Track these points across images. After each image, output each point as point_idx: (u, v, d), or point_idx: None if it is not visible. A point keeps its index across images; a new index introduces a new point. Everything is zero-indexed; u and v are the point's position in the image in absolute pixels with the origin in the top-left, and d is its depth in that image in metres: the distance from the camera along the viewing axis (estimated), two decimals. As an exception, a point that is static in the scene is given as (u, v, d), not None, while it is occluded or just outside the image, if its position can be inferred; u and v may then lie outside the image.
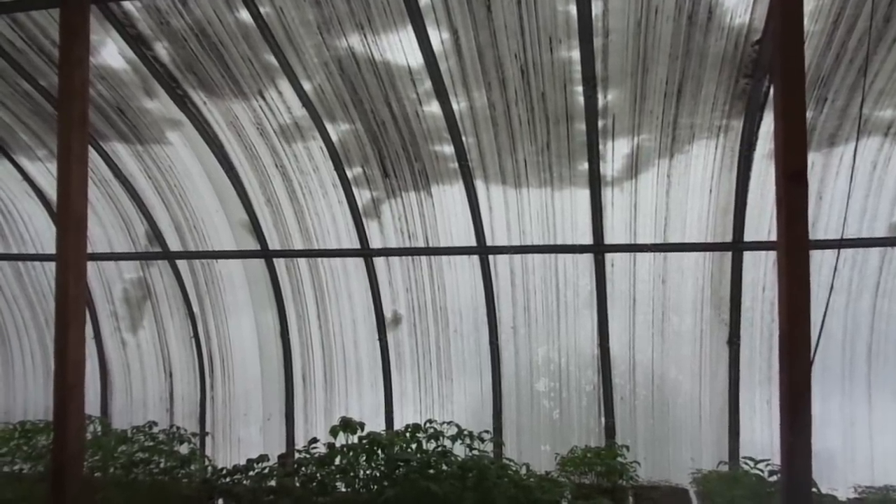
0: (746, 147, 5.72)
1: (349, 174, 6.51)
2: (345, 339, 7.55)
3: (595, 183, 6.16)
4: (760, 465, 5.35)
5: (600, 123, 5.66)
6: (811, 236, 5.94)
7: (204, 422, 8.07)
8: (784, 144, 3.90)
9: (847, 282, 6.31)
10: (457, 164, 6.21)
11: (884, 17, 4.44)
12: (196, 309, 7.89)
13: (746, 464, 5.27)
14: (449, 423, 5.79)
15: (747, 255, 6.38)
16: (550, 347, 7.10)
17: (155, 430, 6.01)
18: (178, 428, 6.00)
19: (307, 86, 5.68)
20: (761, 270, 6.43)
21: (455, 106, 5.65)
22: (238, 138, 6.38)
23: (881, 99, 5.21)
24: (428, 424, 5.71)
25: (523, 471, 5.57)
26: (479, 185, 6.40)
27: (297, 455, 5.61)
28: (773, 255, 6.35)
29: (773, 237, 6.27)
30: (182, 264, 7.68)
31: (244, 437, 8.12)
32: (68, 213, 4.62)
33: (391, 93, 5.61)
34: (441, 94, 5.53)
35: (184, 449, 5.97)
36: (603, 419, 6.99)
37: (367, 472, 5.31)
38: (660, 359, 6.85)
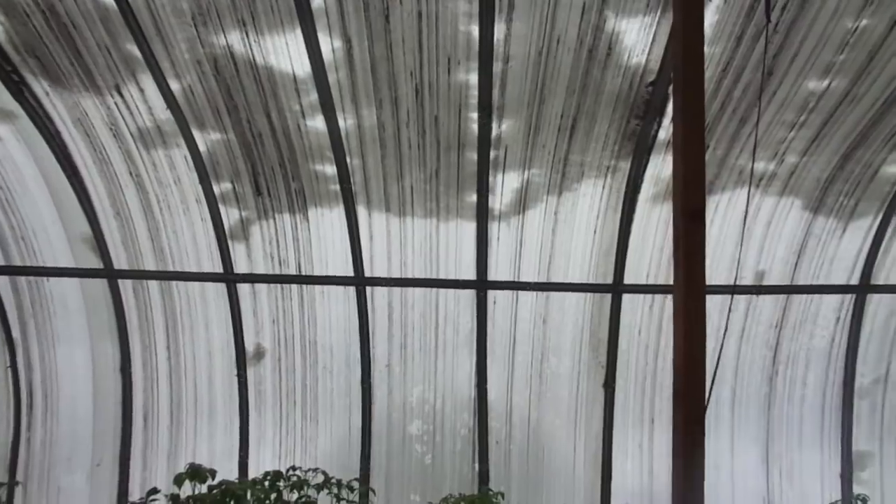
0: (632, 189, 5.76)
1: (216, 189, 5.85)
2: (198, 373, 6.72)
3: (482, 216, 5.94)
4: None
5: (492, 154, 5.47)
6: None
7: (15, 468, 6.82)
8: (683, 182, 3.84)
9: (714, 329, 6.50)
10: (338, 187, 5.75)
11: (768, 70, 4.61)
12: (16, 334, 6.72)
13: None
14: (314, 470, 5.20)
15: (626, 298, 6.40)
16: (426, 388, 6.71)
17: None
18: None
19: (175, 85, 5.02)
20: (638, 314, 6.47)
21: (342, 122, 5.23)
22: (86, 139, 5.54)
23: (757, 151, 5.42)
24: (291, 472, 5.08)
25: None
26: (361, 210, 5.97)
27: (131, 510, 4.76)
28: (649, 298, 6.42)
29: (652, 281, 6.37)
30: (2, 281, 6.54)
31: (66, 487, 6.95)
32: None
33: (272, 102, 5.09)
34: (327, 109, 5.09)
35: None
36: (477, 464, 6.66)
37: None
38: (537, 401, 6.67)
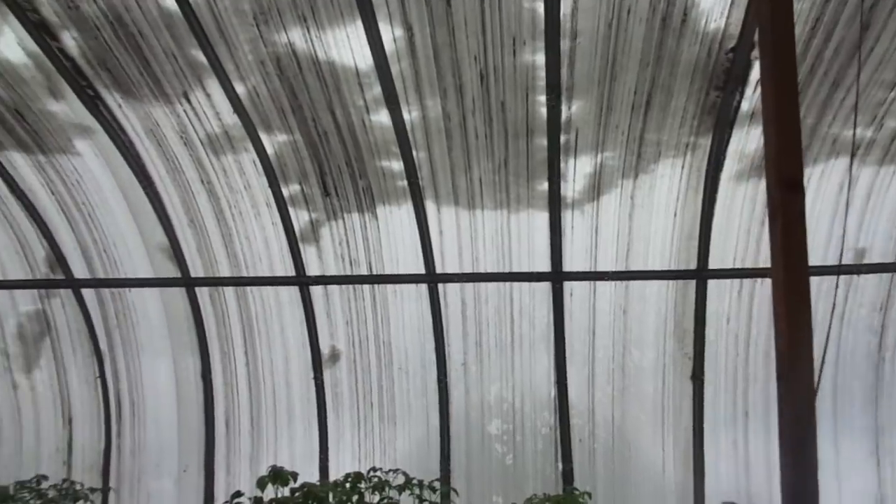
0: (714, 167, 5.42)
1: (285, 192, 5.86)
2: (276, 378, 6.75)
3: (555, 204, 5.72)
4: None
5: (563, 138, 5.25)
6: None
7: (108, 475, 7.03)
8: (776, 149, 3.52)
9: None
10: (406, 183, 5.66)
11: (865, 24, 4.23)
12: (103, 345, 6.94)
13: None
14: (395, 471, 5.09)
15: (711, 284, 6.04)
16: (504, 386, 6.52)
17: (45, 485, 5.05)
18: (72, 483, 5.07)
19: (240, 88, 5.05)
20: (726, 301, 6.10)
21: (406, 115, 5.13)
22: (158, 148, 5.65)
23: (851, 116, 5.00)
24: (371, 473, 4.99)
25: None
26: (430, 205, 5.85)
27: (216, 512, 4.78)
28: (737, 283, 6.04)
29: (739, 265, 5.99)
30: (89, 294, 6.76)
31: (155, 492, 7.11)
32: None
33: (335, 98, 5.04)
34: (391, 102, 5.00)
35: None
36: (560, 464, 6.42)
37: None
38: (620, 397, 6.38)
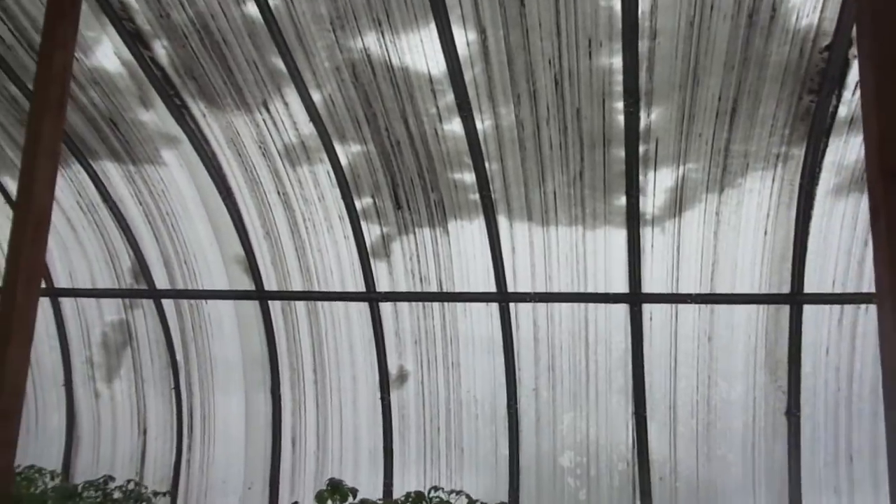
0: (809, 180, 5.03)
1: (358, 205, 5.87)
2: (343, 396, 6.67)
3: (633, 221, 5.45)
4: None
5: (641, 149, 5.02)
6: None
7: (177, 487, 7.07)
8: (879, 137, 3.19)
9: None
10: (478, 196, 5.55)
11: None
12: (179, 357, 7.08)
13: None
14: (458, 492, 4.83)
15: (808, 310, 5.54)
16: (577, 415, 6.16)
17: (111, 486, 5.09)
18: (136, 484, 5.09)
19: (316, 96, 5.13)
20: (825, 329, 5.58)
21: (479, 124, 5.05)
22: (238, 159, 5.80)
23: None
24: (433, 492, 4.75)
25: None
26: (502, 220, 5.71)
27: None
28: (837, 310, 5.52)
29: (839, 289, 5.49)
30: (168, 304, 6.95)
31: (221, 509, 7.10)
32: (29, 211, 3.95)
33: (408, 106, 5.04)
34: (464, 109, 4.95)
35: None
36: (638, 502, 5.96)
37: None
38: (705, 432, 5.90)
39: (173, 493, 7.03)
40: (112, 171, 6.21)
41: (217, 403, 7.06)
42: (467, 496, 4.76)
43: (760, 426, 5.80)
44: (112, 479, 5.22)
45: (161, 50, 5.05)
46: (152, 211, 6.45)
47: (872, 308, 5.47)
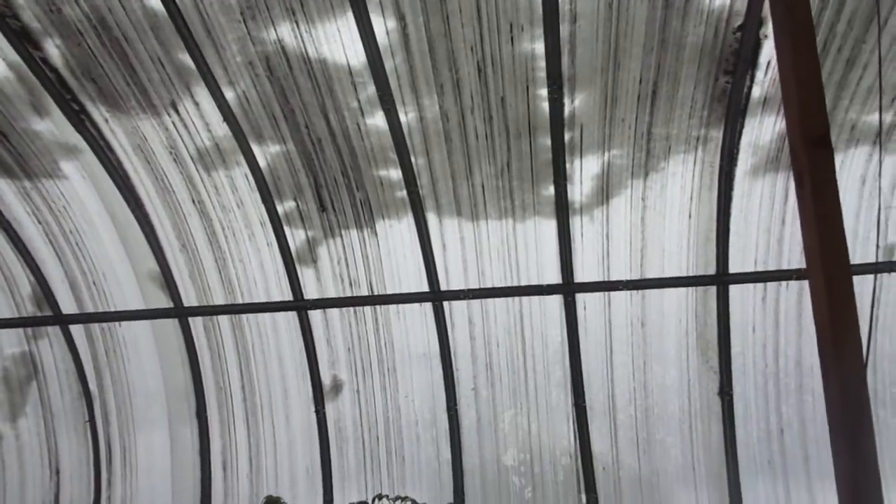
0: (728, 161, 5.15)
1: (280, 209, 5.60)
2: (275, 412, 6.34)
3: (562, 210, 5.44)
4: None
5: (567, 136, 5.02)
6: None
7: (97, 529, 6.54)
8: (799, 106, 3.27)
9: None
10: (405, 192, 5.40)
11: (879, -10, 4.03)
12: (93, 386, 6.57)
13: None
14: (403, 499, 4.64)
15: (733, 290, 5.68)
16: (518, 412, 6.08)
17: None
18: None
19: (229, 94, 4.86)
20: (750, 308, 5.72)
21: (402, 117, 4.91)
22: (147, 166, 5.43)
23: (869, 98, 4.77)
24: (378, 501, 4.54)
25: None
26: (431, 217, 5.58)
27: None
28: (761, 288, 5.68)
29: (761, 267, 5.65)
30: (77, 330, 6.43)
31: (148, 547, 6.60)
32: None
33: (328, 101, 4.84)
34: (386, 101, 4.80)
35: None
36: (584, 495, 5.92)
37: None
38: (644, 418, 5.93)
39: (93, 533, 6.49)
40: (4, 189, 5.69)
41: (138, 433, 6.58)
42: (413, 501, 4.56)
43: (696, 408, 5.88)
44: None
45: (53, 49, 4.65)
46: (53, 229, 5.96)
47: (793, 285, 5.66)
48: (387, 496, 4.48)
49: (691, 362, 5.86)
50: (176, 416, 6.48)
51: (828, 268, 3.11)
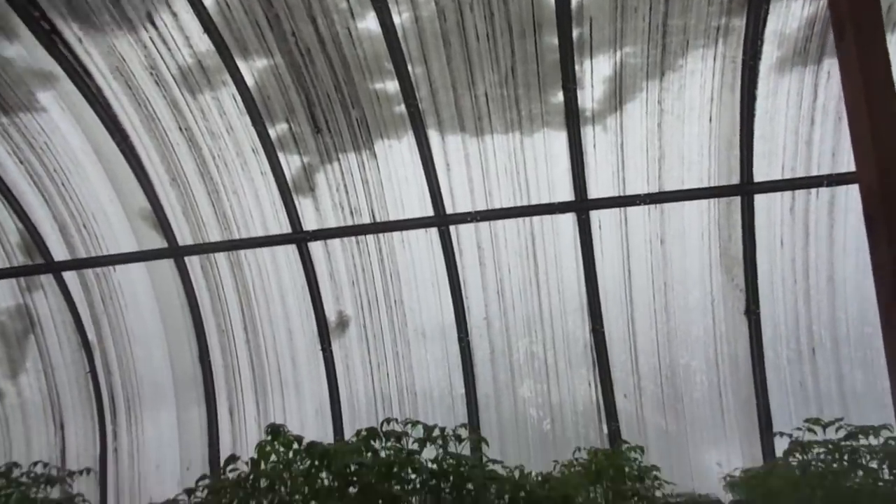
0: (751, 55, 4.76)
1: (272, 132, 5.28)
2: (280, 353, 6.08)
3: (572, 120, 5.08)
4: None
5: (575, 32, 4.63)
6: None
7: (106, 482, 6.35)
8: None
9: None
10: (403, 107, 5.06)
11: None
12: (92, 336, 6.33)
13: (812, 430, 3.97)
14: (414, 423, 4.36)
15: (759, 201, 5.31)
16: (533, 340, 5.79)
17: (16, 473, 4.39)
18: (45, 465, 4.41)
19: (208, 0, 4.50)
20: (777, 219, 5.36)
21: (396, 18, 4.55)
22: (128, 92, 5.11)
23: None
24: (386, 426, 4.27)
25: (516, 475, 4.15)
26: (433, 134, 5.24)
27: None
28: (788, 197, 5.31)
29: (788, 174, 5.27)
30: (71, 278, 6.18)
31: (158, 496, 6.40)
32: None
33: (315, 2, 4.47)
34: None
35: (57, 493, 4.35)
36: (605, 425, 5.64)
37: (307, 489, 3.83)
38: (666, 342, 5.62)
39: (102, 485, 6.31)
40: (-19, 125, 5.41)
41: (140, 381, 6.35)
42: (424, 425, 4.29)
43: (721, 329, 5.56)
44: (17, 465, 4.51)
45: (16, -43, 4.32)
46: (36, 169, 5.68)
47: (823, 192, 5.28)
48: (395, 420, 4.21)
49: (715, 281, 5.53)
50: (178, 362, 6.24)
51: (881, 152, 2.64)
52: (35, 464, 4.42)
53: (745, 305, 5.47)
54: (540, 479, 4.03)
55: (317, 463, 4.01)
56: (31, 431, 6.67)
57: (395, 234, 5.63)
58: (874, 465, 3.52)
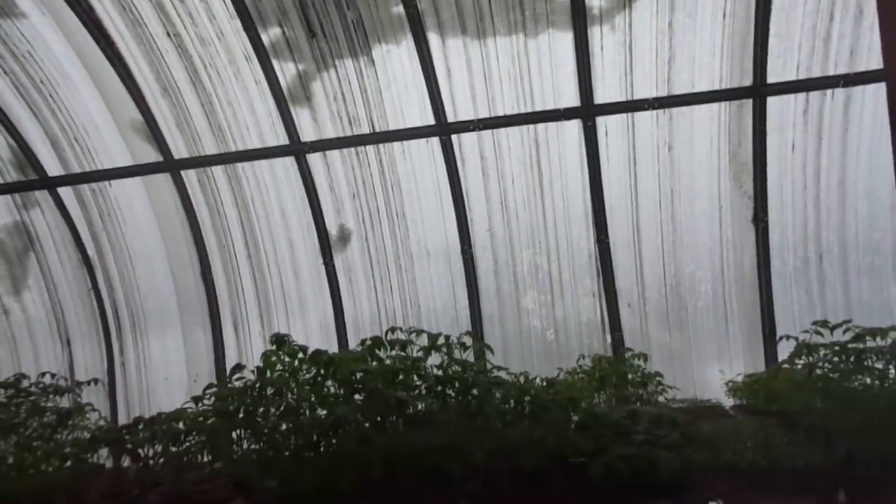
0: (769, -59, 4.47)
1: (265, 38, 5.04)
2: (282, 268, 6.05)
3: (579, 18, 4.83)
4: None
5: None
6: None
7: (115, 394, 6.45)
8: None
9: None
10: (402, 7, 4.80)
11: None
12: (91, 252, 6.28)
13: (819, 332, 3.94)
14: (418, 332, 4.34)
15: (771, 104, 5.13)
16: (537, 251, 5.73)
17: (24, 384, 4.42)
18: (53, 375, 4.44)
19: None
20: (789, 123, 5.19)
21: None
22: (111, -7, 4.85)
23: None
24: (391, 334, 4.25)
25: (521, 380, 4.16)
26: (433, 38, 5.00)
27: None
28: (801, 99, 5.12)
29: (803, 75, 5.06)
30: (67, 195, 6.07)
31: (167, 408, 6.51)
32: None
33: None
34: None
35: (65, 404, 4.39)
36: (608, 335, 5.65)
37: (314, 396, 3.84)
38: (672, 250, 5.56)
39: (112, 397, 6.41)
40: (-40, 33, 5.17)
41: (144, 296, 6.35)
42: (428, 333, 4.27)
43: (727, 237, 5.49)
44: (25, 376, 4.54)
45: None
46: (22, 81, 5.47)
47: (839, 93, 5.08)
48: (400, 328, 4.18)
49: (723, 188, 5.41)
50: (180, 277, 6.22)
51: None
52: (42, 374, 4.44)
53: (752, 213, 5.38)
54: (545, 384, 4.05)
55: (322, 371, 4.00)
56: (38, 348, 6.73)
57: (396, 145, 5.48)
58: (880, 365, 3.50)
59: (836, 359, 3.53)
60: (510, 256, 5.70)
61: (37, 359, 6.73)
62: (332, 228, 5.84)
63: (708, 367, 5.59)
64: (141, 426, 3.80)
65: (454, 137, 5.37)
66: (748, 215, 5.40)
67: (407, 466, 3.12)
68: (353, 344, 5.97)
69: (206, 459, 3.60)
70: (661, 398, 4.82)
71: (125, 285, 6.36)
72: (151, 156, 5.74)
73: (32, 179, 6.01)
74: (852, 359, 3.47)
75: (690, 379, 5.51)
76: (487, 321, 5.82)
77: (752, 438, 3.19)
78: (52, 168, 5.94)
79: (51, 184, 6.01)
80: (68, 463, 3.66)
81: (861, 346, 3.59)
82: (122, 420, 6.33)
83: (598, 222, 5.50)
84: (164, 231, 6.11)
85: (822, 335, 3.91)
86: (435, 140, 5.38)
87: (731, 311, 5.56)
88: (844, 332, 3.87)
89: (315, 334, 6.05)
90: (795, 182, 5.33)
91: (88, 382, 4.40)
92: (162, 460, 3.62)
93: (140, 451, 3.67)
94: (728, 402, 5.06)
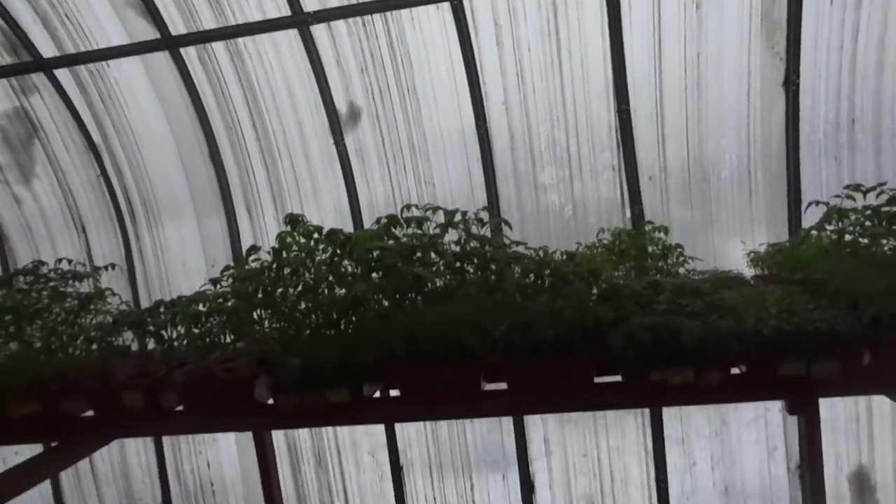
0: None
1: None
2: (292, 149, 5.89)
3: None
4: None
5: None
6: None
7: (135, 279, 6.52)
8: None
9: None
10: None
11: None
12: (97, 137, 6.14)
13: (851, 196, 3.79)
14: (434, 208, 4.24)
15: (812, -49, 4.70)
16: (555, 125, 5.51)
17: (44, 270, 4.41)
18: (70, 261, 4.42)
19: None
20: (830, -27, 4.79)
21: None
22: None
23: None
24: (406, 211, 4.14)
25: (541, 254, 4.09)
26: None
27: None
28: (846, -54, 4.69)
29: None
30: (64, 76, 5.85)
31: (187, 291, 6.60)
32: None
33: None
34: None
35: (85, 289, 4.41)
36: (628, 209, 5.53)
37: (331, 275, 3.79)
38: (696, 119, 5.31)
39: (132, 282, 6.49)
40: None
41: (154, 182, 6.27)
42: (444, 210, 4.17)
43: (756, 104, 5.22)
44: (43, 263, 4.53)
45: None
46: (3, -51, 5.12)
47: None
48: (415, 205, 4.08)
49: (753, 49, 5.08)
50: (189, 161, 6.09)
51: None
52: (59, 261, 4.42)
53: (784, 76, 5.08)
54: (564, 257, 3.98)
55: (339, 251, 3.92)
56: (55, 237, 6.75)
57: (404, 13, 5.14)
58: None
59: (867, 223, 3.39)
60: (526, 131, 5.49)
61: (54, 247, 6.77)
62: (342, 106, 5.62)
63: (729, 240, 5.50)
64: (162, 308, 3.79)
65: (466, 3, 5.02)
66: (779, 79, 5.10)
67: (427, 342, 3.10)
68: (367, 225, 5.92)
69: (228, 340, 3.62)
70: (681, 270, 4.76)
71: (134, 171, 6.26)
72: (148, 33, 5.45)
73: (27, 61, 5.77)
74: (884, 223, 3.33)
75: (711, 252, 5.43)
76: (504, 198, 5.70)
77: (777, 305, 3.13)
78: (47, 49, 5.69)
79: (46, 65, 5.77)
80: (94, 346, 3.69)
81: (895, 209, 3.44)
82: (145, 305, 6.45)
83: (619, 91, 5.24)
84: (168, 114, 5.92)
85: (853, 199, 3.75)
86: (446, 6, 5.04)
87: (756, 181, 5.39)
88: (878, 195, 3.71)
89: (329, 216, 5.99)
90: (832, 41, 4.99)
91: (106, 267, 4.38)
92: (185, 341, 3.64)
93: (163, 332, 3.69)
94: (749, 273, 5.00)
